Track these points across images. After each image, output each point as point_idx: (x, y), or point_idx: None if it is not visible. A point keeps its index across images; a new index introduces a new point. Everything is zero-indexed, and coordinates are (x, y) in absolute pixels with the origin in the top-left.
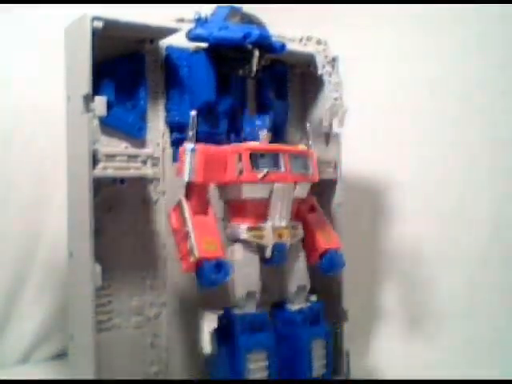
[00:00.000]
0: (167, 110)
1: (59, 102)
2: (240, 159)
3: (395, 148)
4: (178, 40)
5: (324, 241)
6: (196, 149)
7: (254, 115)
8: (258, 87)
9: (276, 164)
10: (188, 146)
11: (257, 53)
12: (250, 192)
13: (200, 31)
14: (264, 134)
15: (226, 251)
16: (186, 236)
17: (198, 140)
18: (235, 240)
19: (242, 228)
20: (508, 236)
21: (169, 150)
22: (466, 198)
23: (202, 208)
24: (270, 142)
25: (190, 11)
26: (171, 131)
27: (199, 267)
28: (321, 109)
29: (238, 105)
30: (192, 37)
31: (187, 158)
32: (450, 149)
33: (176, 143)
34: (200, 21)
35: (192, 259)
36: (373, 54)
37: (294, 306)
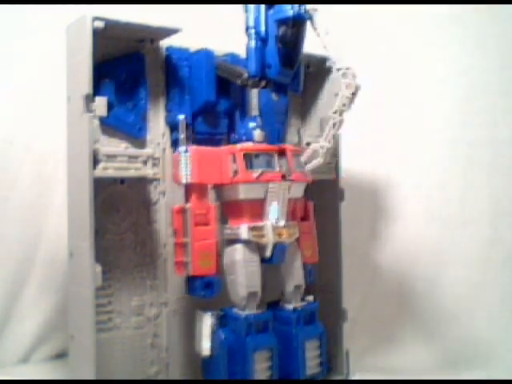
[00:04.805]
0: (167, 110)
1: (60, 102)
2: (234, 160)
3: (395, 148)
4: (179, 40)
5: (307, 255)
6: (189, 150)
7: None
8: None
9: (270, 164)
10: (181, 148)
11: (263, 83)
12: (246, 192)
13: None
14: (258, 133)
15: (224, 253)
16: (185, 246)
17: (198, 140)
18: (235, 240)
19: (243, 228)
20: (508, 236)
21: (169, 150)
22: (465, 198)
23: (204, 210)
24: (263, 142)
25: (189, 11)
26: (171, 131)
27: (190, 280)
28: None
29: (237, 105)
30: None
31: (182, 161)
32: (450, 149)
33: (176, 143)
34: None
35: (185, 273)
36: (373, 54)
37: (289, 306)
